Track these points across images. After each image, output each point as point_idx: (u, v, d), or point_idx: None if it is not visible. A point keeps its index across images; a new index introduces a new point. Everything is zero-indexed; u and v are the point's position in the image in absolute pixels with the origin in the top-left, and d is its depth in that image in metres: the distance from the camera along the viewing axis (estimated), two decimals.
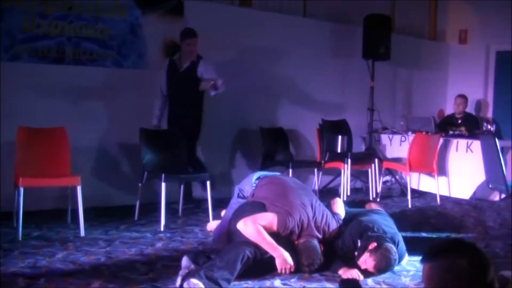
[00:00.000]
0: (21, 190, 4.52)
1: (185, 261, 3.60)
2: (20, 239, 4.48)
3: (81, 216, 4.71)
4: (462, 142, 7.09)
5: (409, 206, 6.59)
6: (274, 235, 3.77)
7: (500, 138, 6.45)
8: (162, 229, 5.02)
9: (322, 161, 7.04)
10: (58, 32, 5.73)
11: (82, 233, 4.71)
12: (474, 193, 6.83)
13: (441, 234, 5.20)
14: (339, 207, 4.29)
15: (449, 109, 8.86)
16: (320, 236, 3.91)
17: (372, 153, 7.47)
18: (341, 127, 7.42)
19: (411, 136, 7.24)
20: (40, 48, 5.65)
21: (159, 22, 6.30)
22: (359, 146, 7.89)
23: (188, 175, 5.61)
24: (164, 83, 5.98)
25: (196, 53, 5.91)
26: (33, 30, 5.59)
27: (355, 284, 3.19)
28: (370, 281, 3.69)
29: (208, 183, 5.28)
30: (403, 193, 7.19)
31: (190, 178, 5.73)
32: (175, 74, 5.91)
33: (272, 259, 3.70)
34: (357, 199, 6.80)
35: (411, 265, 4.00)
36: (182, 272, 3.48)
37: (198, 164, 5.97)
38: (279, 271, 3.69)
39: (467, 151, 6.98)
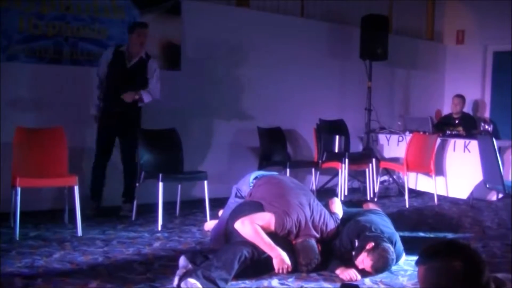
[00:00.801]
0: (18, 190, 4.52)
1: (182, 260, 3.59)
2: (18, 239, 4.47)
3: (79, 216, 4.71)
4: (460, 142, 7.10)
5: (407, 206, 6.59)
6: (272, 235, 3.77)
7: (497, 138, 6.45)
8: (159, 228, 5.02)
9: (320, 161, 7.04)
10: (55, 33, 5.72)
11: (80, 232, 4.71)
12: (472, 193, 6.83)
13: (439, 234, 5.20)
14: (337, 207, 4.30)
15: (446, 109, 8.88)
16: (317, 235, 3.91)
17: (369, 153, 7.47)
18: (338, 127, 7.43)
19: (408, 136, 7.24)
20: (37, 48, 5.64)
21: (156, 23, 6.29)
22: (356, 146, 7.90)
23: (186, 175, 5.61)
24: (104, 72, 5.53)
25: (145, 47, 5.57)
26: (30, 30, 5.58)
27: None
28: (367, 281, 3.70)
29: (205, 183, 5.29)
30: (401, 193, 7.20)
31: (188, 178, 5.73)
32: (123, 68, 5.49)
33: (269, 259, 3.70)
34: (355, 199, 6.80)
35: (408, 265, 4.00)
36: (179, 272, 3.47)
37: (133, 171, 5.55)
38: (276, 270, 3.70)
39: (464, 151, 6.99)
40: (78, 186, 4.71)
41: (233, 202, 4.40)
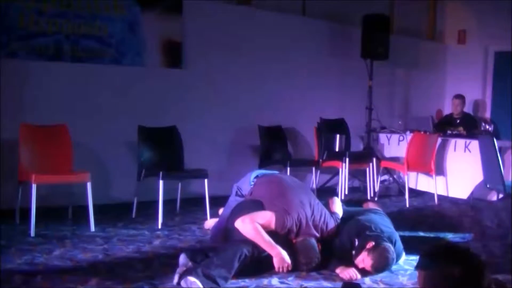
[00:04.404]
0: (34, 186, 4.52)
1: (182, 258, 3.59)
2: (33, 235, 4.50)
3: (91, 212, 4.75)
4: (460, 142, 7.09)
5: (407, 205, 6.59)
6: (272, 233, 3.76)
7: (498, 138, 6.43)
8: (159, 226, 5.02)
9: (320, 160, 7.05)
10: (56, 30, 5.70)
11: (92, 228, 4.76)
12: (472, 193, 6.82)
13: (439, 233, 5.20)
14: (337, 206, 4.29)
15: (447, 109, 8.87)
16: (318, 235, 3.91)
17: (370, 152, 7.48)
18: (339, 126, 7.42)
19: (409, 136, 7.24)
20: (37, 45, 5.62)
21: (157, 20, 6.29)
22: (357, 145, 7.89)
23: (186, 173, 5.61)
24: None
25: None
26: (30, 27, 5.56)
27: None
28: (367, 280, 3.69)
29: (205, 181, 5.28)
30: (401, 192, 7.19)
31: (188, 176, 5.72)
32: None
33: (269, 257, 3.70)
34: (355, 198, 6.79)
35: (408, 264, 3.99)
36: (179, 270, 3.47)
37: None
38: (276, 269, 3.69)
39: (465, 151, 6.99)
40: (90, 182, 4.74)
41: (233, 201, 4.39)
